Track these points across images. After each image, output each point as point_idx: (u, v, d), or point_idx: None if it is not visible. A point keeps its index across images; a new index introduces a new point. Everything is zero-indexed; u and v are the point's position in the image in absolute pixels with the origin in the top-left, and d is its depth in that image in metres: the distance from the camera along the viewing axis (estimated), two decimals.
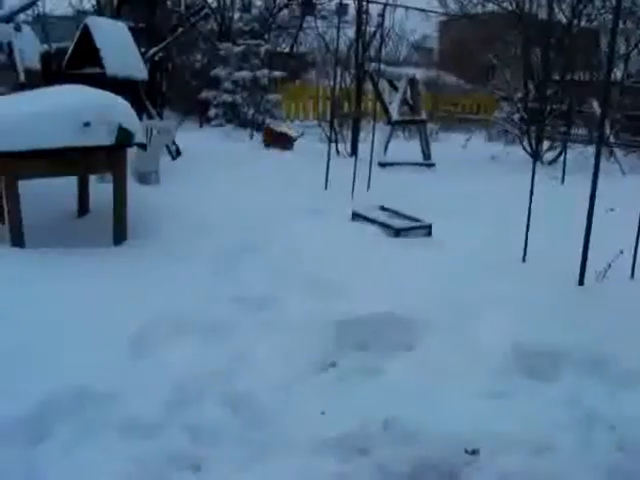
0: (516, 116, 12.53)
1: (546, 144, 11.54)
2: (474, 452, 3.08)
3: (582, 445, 3.12)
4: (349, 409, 3.31)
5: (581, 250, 4.70)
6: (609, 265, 4.67)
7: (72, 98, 5.13)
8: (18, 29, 8.97)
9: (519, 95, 12.41)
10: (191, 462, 2.92)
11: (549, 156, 11.26)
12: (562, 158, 9.66)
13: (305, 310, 4.20)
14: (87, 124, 4.88)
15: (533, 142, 11.29)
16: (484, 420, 3.27)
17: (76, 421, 3.03)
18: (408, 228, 5.78)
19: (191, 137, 10.42)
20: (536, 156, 7.89)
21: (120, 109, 5.19)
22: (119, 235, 5.22)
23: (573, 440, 3.15)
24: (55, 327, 3.62)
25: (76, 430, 2.99)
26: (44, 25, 12.57)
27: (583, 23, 11.84)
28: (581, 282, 4.70)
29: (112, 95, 5.30)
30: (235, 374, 3.54)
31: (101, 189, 5.82)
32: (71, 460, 2.83)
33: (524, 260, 5.16)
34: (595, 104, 11.35)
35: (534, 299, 4.36)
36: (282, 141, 11.30)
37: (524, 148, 11.67)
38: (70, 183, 5.74)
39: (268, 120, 14.15)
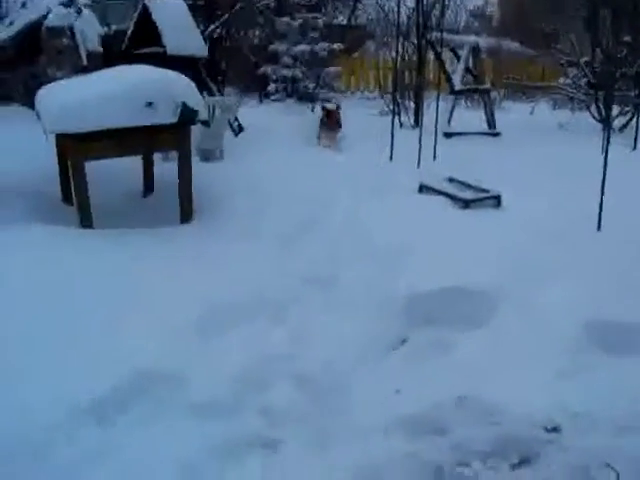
0: (583, 81, 12.09)
1: (616, 110, 11.10)
2: (555, 430, 2.99)
3: None
4: (422, 387, 3.26)
5: None
6: None
7: (135, 78, 5.13)
8: (79, 12, 9.04)
9: (586, 59, 11.96)
10: (263, 443, 2.91)
11: (619, 122, 10.85)
12: (633, 123, 9.31)
13: (374, 286, 4.15)
14: (150, 104, 4.88)
15: (602, 108, 10.88)
16: (562, 398, 3.19)
17: (146, 403, 3.05)
18: (477, 199, 5.64)
19: (252, 113, 10.36)
20: (606, 122, 7.57)
21: (183, 87, 5.17)
22: (185, 213, 5.23)
23: None
24: (125, 307, 3.65)
25: (147, 411, 3.01)
26: (103, 7, 12.64)
27: None
28: None
29: (174, 73, 5.27)
30: (305, 353, 3.52)
31: (165, 169, 5.84)
32: (142, 440, 2.86)
33: (599, 229, 4.98)
34: None
35: (610, 269, 4.19)
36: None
37: (592, 115, 11.28)
38: (135, 164, 5.77)
39: (326, 95, 14.02)
